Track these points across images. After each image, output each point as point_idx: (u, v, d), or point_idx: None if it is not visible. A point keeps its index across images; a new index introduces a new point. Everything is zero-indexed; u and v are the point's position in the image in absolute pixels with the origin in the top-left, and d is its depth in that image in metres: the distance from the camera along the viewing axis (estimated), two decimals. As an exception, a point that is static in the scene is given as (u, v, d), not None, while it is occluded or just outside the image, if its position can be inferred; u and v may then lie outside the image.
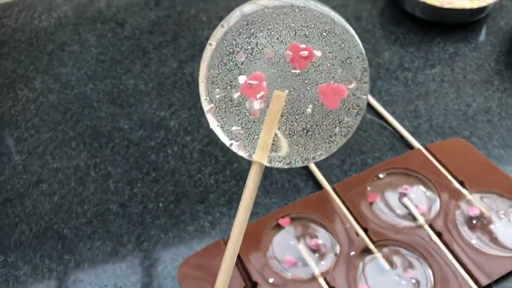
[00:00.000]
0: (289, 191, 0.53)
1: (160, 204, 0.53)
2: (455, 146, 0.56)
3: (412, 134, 0.58)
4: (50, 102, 0.64)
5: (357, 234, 0.48)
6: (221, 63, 0.31)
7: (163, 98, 0.64)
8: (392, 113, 0.60)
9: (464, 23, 0.71)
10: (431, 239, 0.47)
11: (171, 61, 0.68)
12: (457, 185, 0.51)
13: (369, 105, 0.62)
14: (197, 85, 0.65)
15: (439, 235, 0.48)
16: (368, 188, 0.52)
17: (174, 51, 0.70)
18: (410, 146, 0.57)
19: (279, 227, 0.49)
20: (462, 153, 0.55)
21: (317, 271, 0.45)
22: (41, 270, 0.48)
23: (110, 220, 0.52)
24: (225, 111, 0.31)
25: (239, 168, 0.56)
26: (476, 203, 0.50)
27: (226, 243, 0.48)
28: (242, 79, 0.30)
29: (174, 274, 0.47)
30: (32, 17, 0.76)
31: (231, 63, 0.31)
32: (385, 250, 0.47)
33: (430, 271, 0.45)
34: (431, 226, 0.48)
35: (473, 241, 0.47)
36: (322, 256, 0.47)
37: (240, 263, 0.46)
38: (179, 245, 0.49)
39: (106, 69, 0.68)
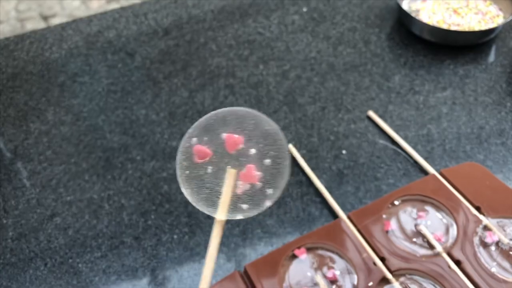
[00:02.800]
0: (304, 220, 0.53)
1: (175, 236, 0.52)
2: (470, 170, 0.56)
3: (425, 159, 0.57)
4: (62, 134, 0.64)
5: (375, 264, 0.47)
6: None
7: (175, 128, 0.64)
8: (405, 138, 0.60)
9: (473, 45, 0.71)
10: (450, 267, 0.46)
11: (182, 90, 0.69)
12: (473, 211, 0.51)
13: (381, 130, 0.61)
14: (208, 113, 0.66)
15: (457, 263, 0.47)
16: (384, 216, 0.51)
17: (184, 80, 0.70)
18: (424, 172, 0.56)
19: (295, 257, 0.49)
20: (477, 178, 0.54)
21: (335, 303, 0.45)
22: (57, 306, 0.48)
23: (125, 254, 0.51)
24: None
25: (252, 198, 0.56)
26: (494, 229, 0.49)
27: (242, 276, 0.48)
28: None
29: (191, 309, 0.46)
30: (43, 49, 0.77)
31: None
32: (403, 279, 0.47)
33: (450, 302, 0.44)
34: (449, 254, 0.48)
35: (493, 269, 0.46)
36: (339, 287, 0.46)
37: (257, 296, 0.46)
38: (195, 278, 0.49)
39: (117, 99, 0.69)
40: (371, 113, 0.63)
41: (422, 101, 0.65)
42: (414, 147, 0.59)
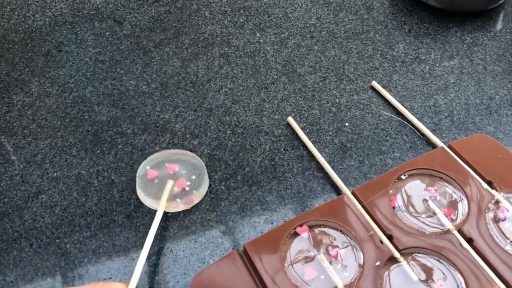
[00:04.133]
0: (305, 197, 0.50)
1: (169, 214, 0.49)
2: (480, 143, 0.53)
3: (433, 131, 0.54)
4: (48, 107, 0.60)
5: (381, 242, 0.45)
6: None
7: (167, 99, 0.60)
8: (411, 109, 0.57)
9: (481, 11, 0.67)
10: (461, 245, 0.44)
11: (174, 59, 0.65)
12: (485, 185, 0.48)
13: (386, 101, 0.58)
14: (202, 84, 0.62)
15: (469, 241, 0.44)
16: (390, 191, 0.49)
17: (176, 49, 0.66)
18: (431, 144, 0.54)
19: (296, 235, 0.46)
20: (488, 150, 0.52)
21: (340, 284, 0.42)
22: (44, 289, 0.45)
23: (116, 233, 0.48)
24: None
25: (250, 173, 0.53)
26: (508, 204, 0.46)
27: (241, 255, 0.45)
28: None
29: (187, 291, 0.44)
30: (25, 16, 0.72)
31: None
32: (412, 258, 0.44)
33: (462, 281, 0.42)
34: (460, 231, 0.45)
35: (508, 247, 0.44)
36: (344, 267, 0.44)
37: (258, 277, 0.43)
38: (191, 258, 0.46)
39: (106, 70, 0.65)
40: (374, 83, 0.60)
41: (428, 71, 0.61)
42: (421, 119, 0.56)
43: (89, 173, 0.53)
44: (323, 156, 0.53)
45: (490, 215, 0.46)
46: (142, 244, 0.47)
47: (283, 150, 0.55)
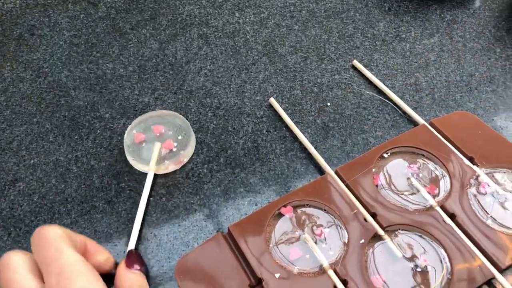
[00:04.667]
0: (289, 177, 0.50)
1: (151, 199, 0.49)
2: (461, 120, 0.53)
3: (414, 109, 0.54)
4: (22, 92, 0.59)
5: (365, 220, 0.45)
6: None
7: (145, 82, 0.59)
8: (392, 88, 0.57)
9: (460, -12, 0.67)
10: (444, 221, 0.44)
11: (151, 41, 0.63)
12: (466, 161, 0.49)
13: (367, 80, 0.58)
14: (181, 66, 0.61)
15: (452, 216, 0.45)
16: (373, 170, 0.49)
17: (153, 31, 0.65)
18: (413, 122, 0.54)
19: (281, 216, 0.46)
20: (468, 127, 0.52)
21: (325, 263, 0.42)
22: (25, 278, 0.44)
23: (97, 219, 0.47)
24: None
25: (233, 155, 0.52)
26: (488, 179, 0.47)
27: (225, 237, 0.45)
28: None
29: (171, 275, 0.43)
30: (-5, 0, 0.70)
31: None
32: (396, 235, 0.44)
33: (445, 256, 0.42)
34: (442, 207, 0.45)
35: (489, 221, 0.44)
36: (329, 246, 0.44)
37: (243, 258, 0.43)
38: (175, 242, 0.46)
39: (81, 53, 0.63)
40: (355, 63, 0.60)
41: (409, 49, 0.61)
42: (402, 97, 0.56)
43: (68, 159, 0.52)
44: (305, 136, 0.53)
45: (472, 190, 0.47)
46: (124, 230, 0.46)
47: (266, 131, 0.54)
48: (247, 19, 0.65)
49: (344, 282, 0.41)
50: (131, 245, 0.44)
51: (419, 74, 0.58)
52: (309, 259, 0.43)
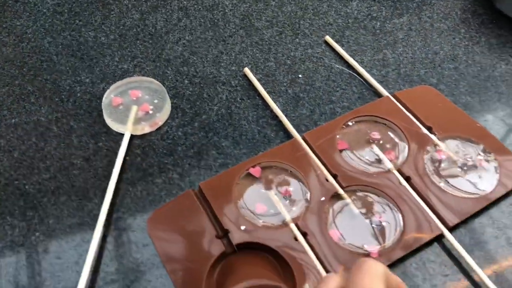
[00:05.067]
0: (259, 142, 0.53)
1: (127, 158, 0.51)
2: (423, 93, 0.56)
3: (380, 82, 0.58)
4: (5, 56, 0.60)
5: (327, 180, 0.48)
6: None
7: (125, 50, 0.61)
8: (361, 62, 0.60)
9: (431, -28, 0.70)
10: (400, 183, 0.48)
11: (133, 11, 0.65)
12: (425, 130, 0.52)
13: (338, 55, 0.61)
14: (160, 36, 0.63)
15: (407, 179, 0.48)
16: (338, 136, 0.52)
17: (135, 2, 0.67)
18: (378, 95, 0.57)
19: (250, 176, 0.49)
20: (430, 100, 0.55)
21: (288, 217, 0.45)
22: (3, 227, 0.46)
23: (75, 175, 0.50)
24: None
25: (207, 120, 0.55)
26: (444, 147, 0.50)
27: (196, 194, 0.48)
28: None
29: (144, 226, 0.46)
30: (-20, -33, 0.71)
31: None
32: (355, 195, 0.47)
33: (399, 214, 0.46)
34: (399, 171, 0.49)
35: (441, 184, 0.48)
36: (293, 203, 0.47)
37: (211, 213, 0.46)
38: (147, 198, 0.48)
39: (64, 21, 0.65)
40: (328, 38, 0.63)
41: (379, 27, 0.64)
42: (370, 71, 0.59)
43: (48, 120, 0.54)
44: (277, 105, 0.56)
45: (428, 156, 0.50)
46: (100, 185, 0.49)
47: (239, 99, 0.57)
48: (227, -6, 0.68)
49: (304, 234, 0.44)
50: (108, 198, 0.47)
51: (387, 51, 0.61)
52: (274, 214, 0.46)
